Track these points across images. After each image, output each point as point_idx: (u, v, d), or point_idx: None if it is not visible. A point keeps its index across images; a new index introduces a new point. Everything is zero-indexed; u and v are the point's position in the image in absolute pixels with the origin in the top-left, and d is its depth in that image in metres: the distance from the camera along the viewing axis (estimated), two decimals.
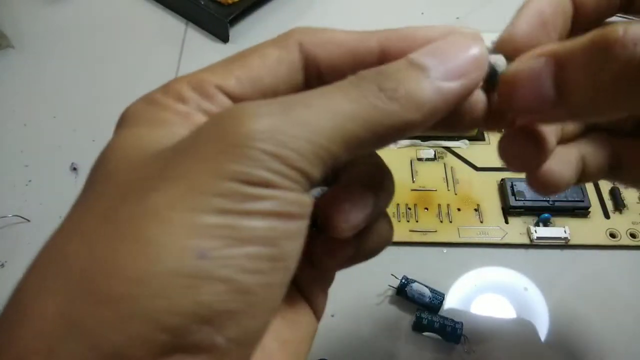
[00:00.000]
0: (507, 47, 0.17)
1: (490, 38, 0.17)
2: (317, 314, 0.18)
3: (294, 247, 0.13)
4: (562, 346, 0.32)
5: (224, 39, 0.49)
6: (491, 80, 0.16)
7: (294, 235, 0.13)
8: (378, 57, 0.16)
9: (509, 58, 0.16)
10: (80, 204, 0.14)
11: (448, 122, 0.16)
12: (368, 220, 0.17)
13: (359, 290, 0.34)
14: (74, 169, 0.40)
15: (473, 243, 0.36)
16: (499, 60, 0.16)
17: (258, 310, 0.12)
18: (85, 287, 0.11)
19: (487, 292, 0.34)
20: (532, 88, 0.15)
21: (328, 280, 0.19)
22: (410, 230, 0.36)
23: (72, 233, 0.13)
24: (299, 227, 0.13)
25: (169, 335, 0.11)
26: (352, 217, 0.16)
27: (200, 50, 0.48)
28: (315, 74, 0.17)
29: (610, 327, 0.33)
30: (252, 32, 0.50)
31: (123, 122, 0.15)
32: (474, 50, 0.15)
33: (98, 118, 0.43)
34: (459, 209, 0.37)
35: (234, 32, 0.49)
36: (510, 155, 0.18)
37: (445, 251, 0.36)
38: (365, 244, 0.18)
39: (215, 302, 0.12)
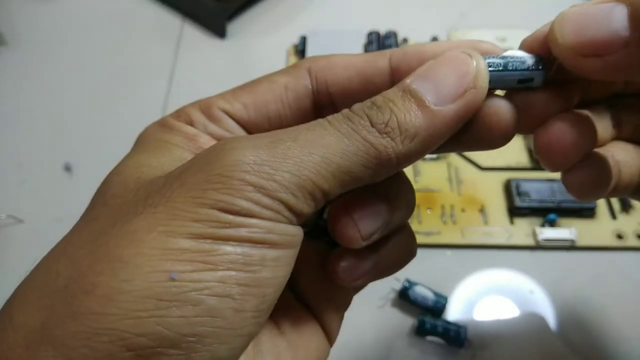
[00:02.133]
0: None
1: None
2: (330, 337, 0.18)
3: (273, 275, 0.13)
4: (569, 349, 0.31)
5: (221, 34, 0.48)
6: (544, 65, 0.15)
7: (271, 263, 0.13)
8: (390, 77, 0.16)
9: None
10: (78, 224, 0.15)
11: (474, 139, 0.15)
12: (383, 231, 0.16)
13: (360, 293, 0.33)
14: (68, 168, 0.40)
15: (477, 245, 0.35)
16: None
17: (229, 336, 0.13)
18: (65, 302, 0.12)
19: (492, 294, 0.34)
20: (602, 22, 0.13)
21: (344, 303, 0.19)
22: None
23: (63, 252, 0.14)
24: (279, 256, 0.14)
25: (134, 356, 0.12)
26: (363, 225, 0.16)
27: (197, 46, 0.48)
28: (327, 99, 0.17)
29: (619, 330, 0.32)
30: (249, 27, 0.49)
31: (136, 145, 0.16)
32: (468, 68, 0.14)
33: (93, 117, 0.43)
34: (463, 210, 0.36)
35: (232, 27, 0.49)
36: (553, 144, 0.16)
37: (449, 253, 0.35)
38: (384, 257, 0.17)
39: (183, 325, 0.12)
